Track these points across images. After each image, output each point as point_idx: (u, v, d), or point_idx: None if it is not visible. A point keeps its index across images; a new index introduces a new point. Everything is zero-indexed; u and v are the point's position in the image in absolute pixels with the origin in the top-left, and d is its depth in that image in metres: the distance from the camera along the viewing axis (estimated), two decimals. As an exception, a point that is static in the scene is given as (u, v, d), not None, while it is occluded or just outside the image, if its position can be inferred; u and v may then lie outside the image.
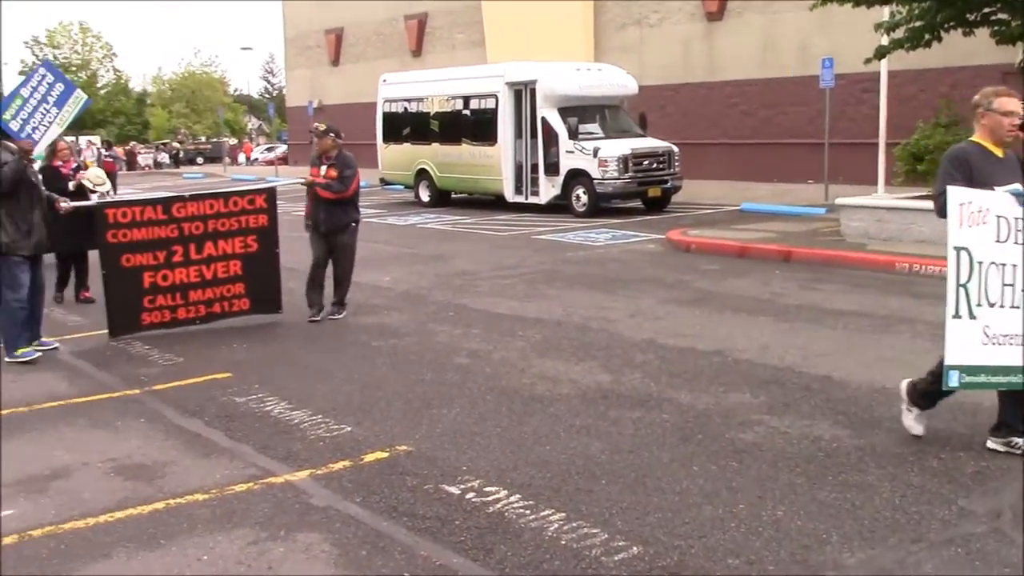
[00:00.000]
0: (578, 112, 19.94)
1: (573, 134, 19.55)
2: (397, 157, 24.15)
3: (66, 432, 6.37)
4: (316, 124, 9.73)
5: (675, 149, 20.14)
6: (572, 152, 19.50)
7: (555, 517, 4.70)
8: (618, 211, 19.88)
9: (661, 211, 19.79)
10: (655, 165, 19.64)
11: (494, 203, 21.95)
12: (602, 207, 19.41)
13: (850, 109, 22.54)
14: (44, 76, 8.72)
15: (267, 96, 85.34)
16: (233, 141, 66.21)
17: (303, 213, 10.13)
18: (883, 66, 16.79)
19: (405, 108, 23.92)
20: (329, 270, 9.78)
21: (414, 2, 36.26)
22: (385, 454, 5.71)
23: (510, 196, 21.03)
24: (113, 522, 4.82)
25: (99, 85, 64.46)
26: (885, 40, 14.64)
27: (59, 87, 8.75)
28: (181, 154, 58.77)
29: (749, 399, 6.61)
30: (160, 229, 8.70)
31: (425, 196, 23.24)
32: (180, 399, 7.04)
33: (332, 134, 9.59)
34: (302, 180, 9.62)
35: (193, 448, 5.95)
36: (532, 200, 20.56)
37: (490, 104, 21.23)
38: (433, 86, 23.20)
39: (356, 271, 9.97)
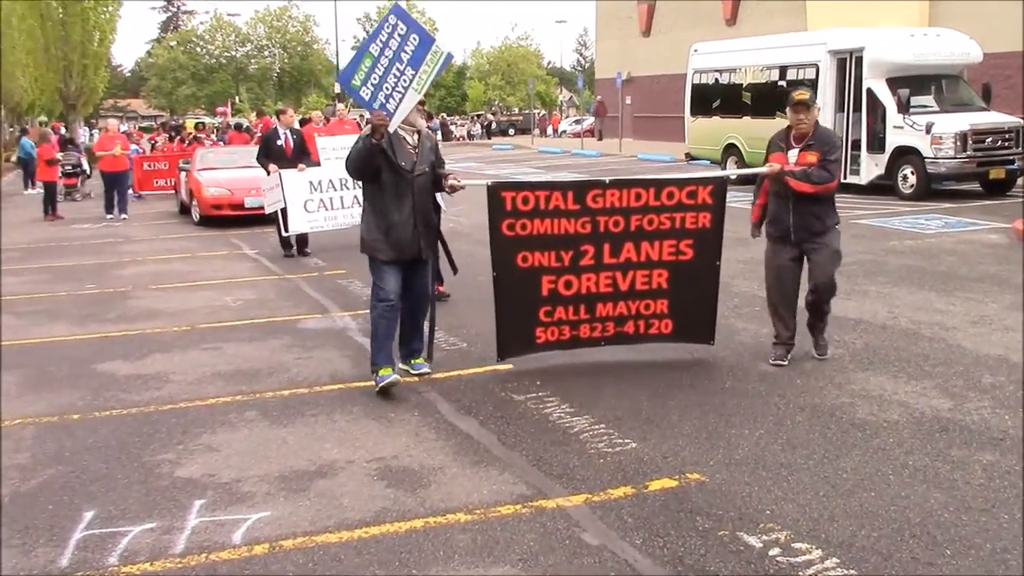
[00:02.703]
0: (910, 83, 17.91)
1: (903, 107, 17.58)
2: (705, 131, 23.03)
3: (339, 420, 6.07)
4: (794, 92, 6.92)
5: (1025, 124, 17.66)
6: (901, 127, 17.55)
7: (885, 599, 3.71)
8: (951, 194, 17.74)
9: (1004, 195, 17.43)
10: (1000, 143, 17.29)
11: (808, 182, 20.30)
12: (933, 189, 17.39)
13: None
14: (395, 26, 6.37)
15: (579, 69, 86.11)
16: (542, 113, 67.24)
17: (750, 215, 7.36)
18: None
19: (716, 79, 22.72)
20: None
21: (731, -32, 34.66)
22: (674, 483, 4.91)
23: (827, 175, 19.34)
24: (367, 539, 4.35)
25: (422, 58, 67.51)
26: None
27: (413, 40, 6.32)
28: (493, 125, 60.31)
29: None
30: (569, 222, 6.62)
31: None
32: (457, 392, 6.60)
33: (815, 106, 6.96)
34: (765, 170, 6.93)
35: (463, 453, 5.43)
36: (851, 179, 18.73)
37: (809, 74, 19.56)
38: (747, 55, 21.81)
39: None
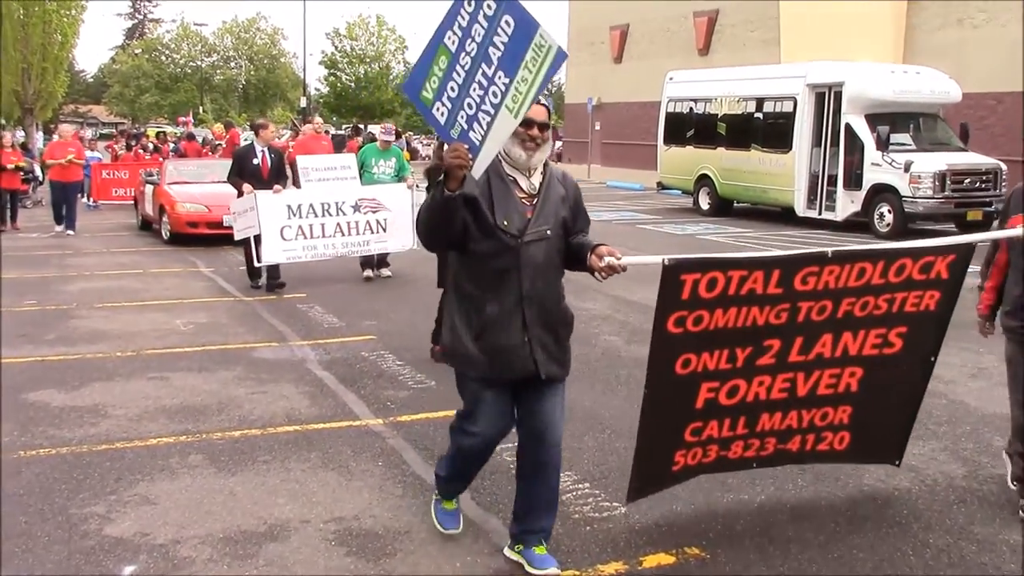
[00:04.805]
0: (889, 120, 17.70)
1: (882, 144, 17.34)
2: (678, 160, 22.70)
3: (294, 470, 5.45)
4: None
5: (1003, 167, 17.47)
6: (879, 164, 17.30)
7: None
8: (926, 234, 17.46)
9: (980, 237, 17.18)
10: (977, 184, 17.09)
11: (780, 216, 20.02)
12: (909, 228, 17.12)
13: None
14: (480, 2, 3.75)
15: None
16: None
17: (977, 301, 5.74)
18: None
19: (691, 108, 22.40)
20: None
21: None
22: (671, 559, 4.36)
23: (801, 210, 19.04)
24: (322, 623, 3.77)
25: (391, 76, 66.75)
26: None
27: (506, 25, 3.66)
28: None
29: None
30: (760, 310, 4.54)
31: (705, 204, 21.64)
32: (426, 437, 6.00)
33: None
34: (1020, 231, 4.84)
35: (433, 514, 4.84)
36: (826, 215, 18.50)
37: (786, 107, 19.32)
38: (723, 86, 21.51)
39: (617, 285, 8.41)
